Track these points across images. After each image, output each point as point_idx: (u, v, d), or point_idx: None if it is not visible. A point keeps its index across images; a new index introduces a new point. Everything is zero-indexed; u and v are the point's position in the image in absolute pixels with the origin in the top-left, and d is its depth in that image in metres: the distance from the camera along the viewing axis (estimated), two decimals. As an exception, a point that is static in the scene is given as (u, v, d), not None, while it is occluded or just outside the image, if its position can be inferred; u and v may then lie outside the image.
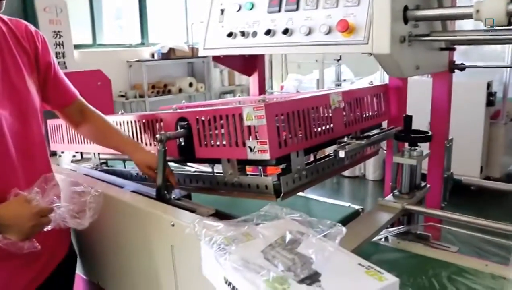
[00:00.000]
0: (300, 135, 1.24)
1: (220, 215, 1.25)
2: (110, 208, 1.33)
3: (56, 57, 5.48)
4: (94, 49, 6.37)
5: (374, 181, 4.96)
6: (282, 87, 6.55)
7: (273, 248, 0.85)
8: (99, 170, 1.72)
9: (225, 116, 1.21)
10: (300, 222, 0.96)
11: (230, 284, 0.80)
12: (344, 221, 1.56)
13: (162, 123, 1.41)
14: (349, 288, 0.74)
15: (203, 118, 1.28)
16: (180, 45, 6.96)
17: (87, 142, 1.71)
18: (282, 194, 1.20)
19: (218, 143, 1.25)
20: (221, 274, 0.82)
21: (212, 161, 1.33)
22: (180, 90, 6.86)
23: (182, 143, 1.37)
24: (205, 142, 1.28)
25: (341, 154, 1.24)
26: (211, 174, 1.35)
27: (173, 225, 1.12)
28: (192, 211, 1.24)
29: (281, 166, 1.24)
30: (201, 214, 1.22)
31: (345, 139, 1.36)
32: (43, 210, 1.05)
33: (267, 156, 1.13)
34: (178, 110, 1.41)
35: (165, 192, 1.32)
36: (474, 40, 1.29)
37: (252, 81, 2.27)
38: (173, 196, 1.34)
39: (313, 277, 0.76)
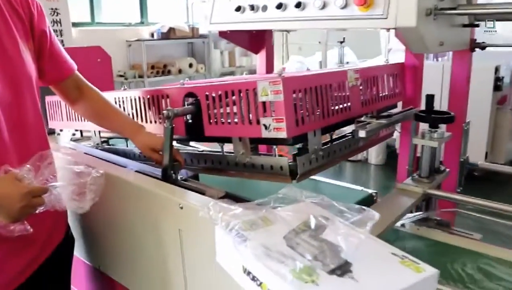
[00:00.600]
0: (318, 113, 1.16)
1: (230, 198, 1.17)
2: (113, 189, 1.25)
3: (54, 35, 5.36)
4: (92, 28, 6.23)
5: (377, 166, 4.89)
6: (284, 69, 6.43)
7: (296, 234, 0.77)
8: (100, 149, 1.64)
9: (238, 91, 1.12)
10: (323, 205, 0.89)
11: (249, 273, 0.73)
12: (360, 203, 1.49)
13: (168, 100, 1.32)
14: (385, 280, 0.67)
15: (213, 94, 1.19)
16: (180, 25, 6.82)
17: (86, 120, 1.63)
18: (298, 176, 1.12)
19: (229, 120, 1.16)
20: (239, 262, 0.74)
21: (222, 140, 1.24)
22: (180, 71, 6.73)
23: (190, 121, 1.28)
24: (215, 120, 1.20)
25: (362, 133, 1.15)
26: (221, 153, 1.27)
27: (181, 208, 1.04)
28: (201, 193, 1.16)
29: (297, 146, 1.15)
30: (211, 196, 1.14)
31: (364, 118, 1.28)
32: (35, 190, 0.95)
33: (283, 135, 1.05)
34: (186, 85, 1.32)
35: (172, 172, 1.24)
36: (505, 13, 1.20)
37: (259, 59, 2.17)
38: (179, 176, 1.26)
39: (343, 268, 0.69)
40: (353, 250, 0.72)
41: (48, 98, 1.82)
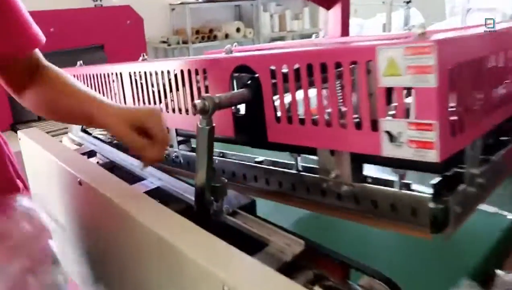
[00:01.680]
0: (479, 107, 0.62)
1: (311, 252, 0.67)
2: (122, 225, 0.77)
3: None
4: (133, -10, 5.78)
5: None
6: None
7: None
8: (114, 144, 1.16)
9: (334, 64, 0.59)
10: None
11: None
12: (505, 238, 0.95)
13: (206, 77, 0.81)
14: None
15: (284, 68, 0.67)
16: (227, -15, 6.26)
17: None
18: (449, 228, 0.59)
19: (315, 117, 0.64)
20: None
21: (297, 149, 0.72)
22: (226, 36, 6.20)
23: (242, 113, 0.77)
24: (288, 114, 0.68)
25: None
26: (295, 172, 0.75)
27: (227, 293, 0.54)
28: (261, 244, 0.66)
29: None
30: (281, 253, 0.64)
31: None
32: None
33: (432, 156, 0.52)
34: (235, 54, 0.80)
35: (211, 199, 0.74)
36: None
37: (332, 18, 1.60)
38: (224, 206, 0.77)
39: None
40: None
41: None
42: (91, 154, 1.19)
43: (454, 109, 0.55)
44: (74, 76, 1.26)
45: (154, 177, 0.92)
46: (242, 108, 0.79)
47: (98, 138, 1.22)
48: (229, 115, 0.78)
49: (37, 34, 0.78)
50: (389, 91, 0.55)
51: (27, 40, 0.76)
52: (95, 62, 1.28)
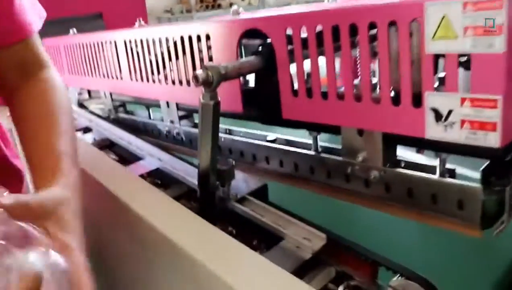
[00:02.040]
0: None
1: (333, 245, 0.57)
2: (114, 213, 0.68)
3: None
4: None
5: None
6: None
7: None
8: (112, 120, 1.07)
9: (367, 25, 0.49)
10: None
11: None
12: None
13: (210, 45, 0.70)
14: None
15: (303, 31, 0.56)
16: (232, -49, 6.04)
17: (92, 75, 1.06)
18: (501, 223, 0.49)
19: (341, 90, 0.54)
20: None
21: (317, 127, 0.62)
22: (231, 4, 6.02)
23: (252, 86, 0.67)
24: (306, 86, 0.58)
25: None
26: (314, 153, 0.65)
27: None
28: (275, 237, 0.57)
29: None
30: (298, 249, 0.55)
31: None
32: None
33: (492, 139, 0.42)
34: (243, 16, 0.69)
35: (217, 183, 0.65)
36: None
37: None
38: (232, 191, 0.67)
39: None
40: None
41: (46, 42, 1.25)
42: (86, 130, 1.10)
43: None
44: (66, 46, 1.15)
45: (153, 157, 0.83)
46: (251, 79, 0.69)
47: (95, 114, 1.12)
48: (236, 87, 0.68)
49: (22, 23, 0.63)
50: (437, 59, 0.44)
51: (12, 24, 0.63)
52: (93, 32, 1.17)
